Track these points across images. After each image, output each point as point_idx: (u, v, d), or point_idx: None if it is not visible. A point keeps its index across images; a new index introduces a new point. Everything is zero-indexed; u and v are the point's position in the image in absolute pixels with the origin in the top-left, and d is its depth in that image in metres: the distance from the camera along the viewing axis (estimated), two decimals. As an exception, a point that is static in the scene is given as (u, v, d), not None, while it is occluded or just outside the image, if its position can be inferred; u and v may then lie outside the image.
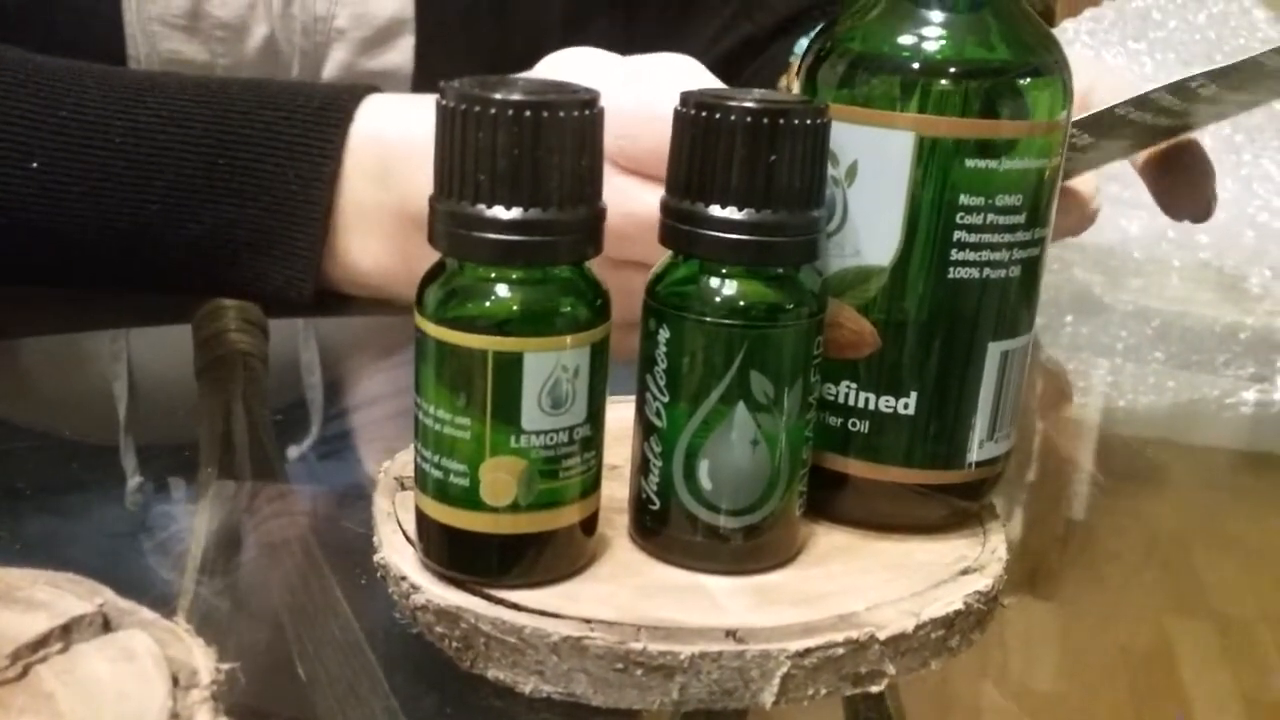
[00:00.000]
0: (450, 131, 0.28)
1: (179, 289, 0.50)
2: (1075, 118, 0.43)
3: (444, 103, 0.28)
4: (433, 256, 0.30)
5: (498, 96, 0.27)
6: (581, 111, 0.28)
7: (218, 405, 0.46)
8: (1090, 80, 0.52)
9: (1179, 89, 0.43)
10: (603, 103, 0.29)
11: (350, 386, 0.53)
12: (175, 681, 0.25)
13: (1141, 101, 0.43)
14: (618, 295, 0.30)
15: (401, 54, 0.68)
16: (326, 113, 0.48)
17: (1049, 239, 0.34)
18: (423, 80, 0.71)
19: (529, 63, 0.48)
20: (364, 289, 0.50)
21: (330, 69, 0.66)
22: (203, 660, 0.25)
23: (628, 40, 0.81)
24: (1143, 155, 0.53)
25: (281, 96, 0.49)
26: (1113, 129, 0.46)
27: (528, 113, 0.27)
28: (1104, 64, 0.82)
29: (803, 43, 0.69)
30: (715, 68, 0.81)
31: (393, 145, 0.48)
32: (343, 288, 0.50)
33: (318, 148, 0.48)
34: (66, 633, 0.26)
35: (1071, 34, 0.94)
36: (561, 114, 0.27)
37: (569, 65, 0.46)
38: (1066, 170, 0.49)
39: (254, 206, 0.48)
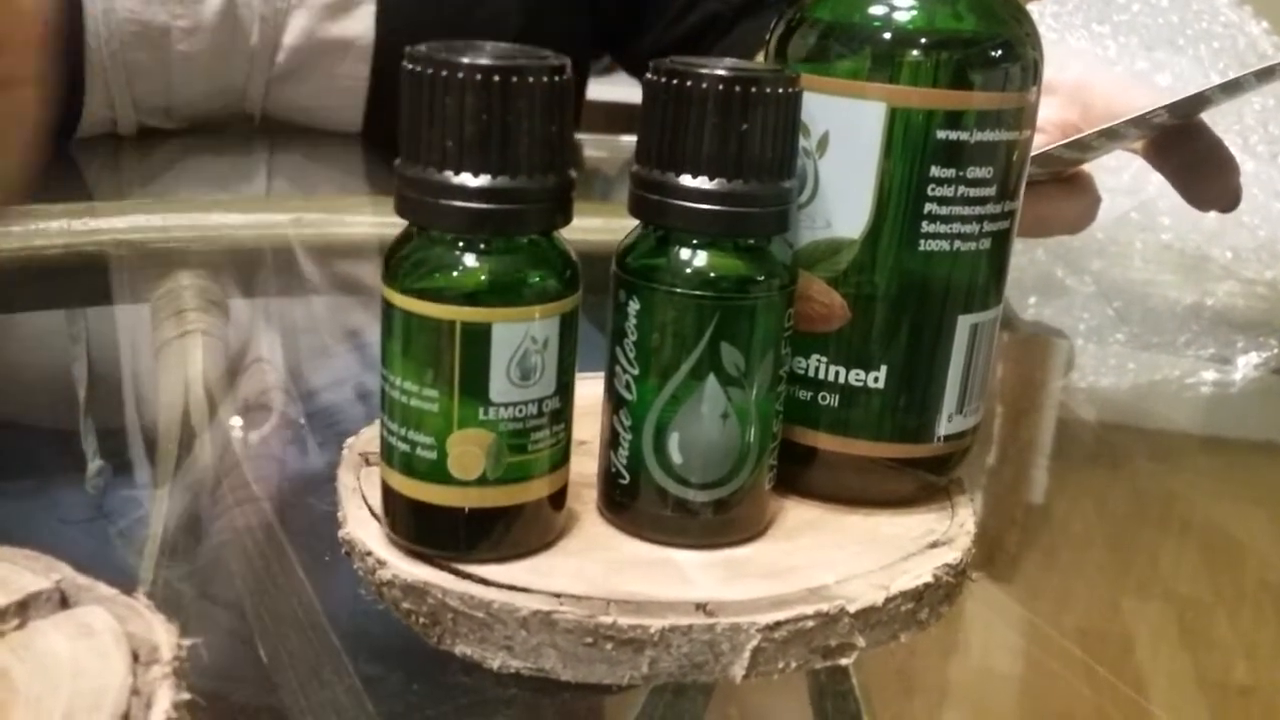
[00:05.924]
0: (417, 96, 0.27)
1: None
2: (1097, 127, 0.46)
3: (410, 67, 0.27)
4: None
5: (466, 60, 0.27)
6: (551, 77, 0.27)
7: (177, 386, 0.45)
8: (1078, 75, 0.52)
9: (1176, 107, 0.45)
10: None
11: (312, 367, 0.53)
12: (135, 658, 0.24)
13: (1140, 121, 0.45)
14: None
15: (361, 22, 0.67)
16: None
17: (1019, 213, 0.34)
18: (382, 50, 0.70)
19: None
20: None
21: (291, 35, 0.65)
22: (164, 636, 0.25)
23: (593, 13, 0.81)
24: (1148, 146, 0.53)
25: None
26: (1117, 138, 0.48)
27: (496, 77, 0.26)
28: (1098, 60, 0.81)
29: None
30: (680, 45, 0.81)
31: None
32: None
33: None
34: (23, 609, 0.25)
35: (1036, 16, 0.94)
36: (531, 79, 0.27)
37: None
38: (1068, 162, 0.50)
39: None
